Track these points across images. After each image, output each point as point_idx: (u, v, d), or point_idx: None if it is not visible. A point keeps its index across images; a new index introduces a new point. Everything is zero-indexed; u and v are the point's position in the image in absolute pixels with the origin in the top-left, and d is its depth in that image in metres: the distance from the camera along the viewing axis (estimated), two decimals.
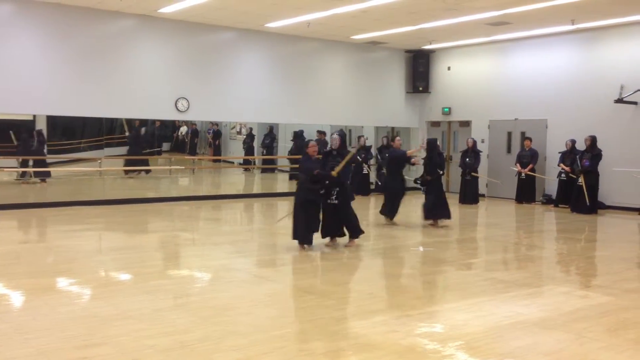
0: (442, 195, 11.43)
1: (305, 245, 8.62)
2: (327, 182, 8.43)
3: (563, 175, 14.39)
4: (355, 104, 17.73)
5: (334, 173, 8.46)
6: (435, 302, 6.09)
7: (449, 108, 18.30)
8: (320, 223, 8.74)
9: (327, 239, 9.04)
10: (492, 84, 17.13)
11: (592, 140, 13.89)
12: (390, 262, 8.33)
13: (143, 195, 15.29)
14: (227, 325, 5.20)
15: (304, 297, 6.28)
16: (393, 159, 11.37)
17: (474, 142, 15.77)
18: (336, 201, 8.73)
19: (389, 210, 11.39)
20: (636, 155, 13.40)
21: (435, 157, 11.48)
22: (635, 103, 13.99)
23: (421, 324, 5.40)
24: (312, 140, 8.85)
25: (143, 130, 19.81)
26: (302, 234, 8.57)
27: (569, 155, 14.28)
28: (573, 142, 14.28)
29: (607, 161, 13.89)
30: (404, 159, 11.28)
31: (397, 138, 11.71)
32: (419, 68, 18.56)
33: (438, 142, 12.22)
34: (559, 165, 14.54)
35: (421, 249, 9.26)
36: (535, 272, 7.88)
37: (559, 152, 14.74)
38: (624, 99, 13.91)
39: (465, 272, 7.70)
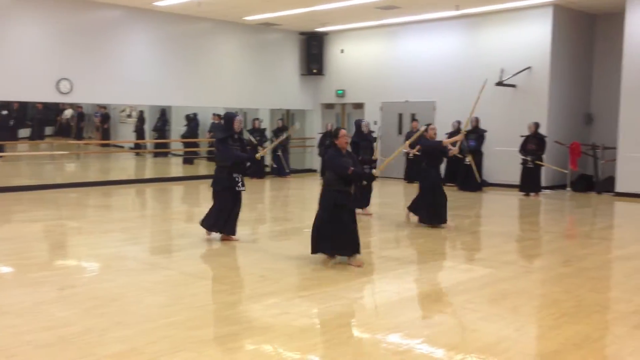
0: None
1: (357, 264, 6.79)
2: (366, 182, 7.05)
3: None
4: (249, 87, 17.55)
5: (376, 172, 7.10)
6: (327, 283, 6.18)
7: (343, 90, 18.55)
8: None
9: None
10: (384, 67, 17.53)
11: (476, 122, 14.60)
12: (285, 244, 8.35)
13: (21, 183, 14.37)
14: (112, 316, 5.01)
15: (196, 283, 6.17)
16: (426, 151, 9.78)
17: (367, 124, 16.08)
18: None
19: (428, 217, 9.48)
20: (515, 135, 14.21)
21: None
22: (514, 86, 14.82)
23: (313, 304, 5.46)
24: (340, 127, 7.15)
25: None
26: (346, 247, 6.80)
27: (455, 135, 14.88)
28: (459, 123, 14.91)
29: (489, 141, 14.65)
30: (439, 150, 9.56)
31: (431, 126, 9.60)
32: (312, 50, 18.64)
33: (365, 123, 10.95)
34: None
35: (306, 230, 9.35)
36: (424, 248, 8.18)
37: (446, 133, 15.35)
38: (504, 82, 14.70)
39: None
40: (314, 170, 18.61)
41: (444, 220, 9.39)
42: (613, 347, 4.48)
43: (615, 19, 14.18)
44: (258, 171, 16.31)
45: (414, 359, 4.23)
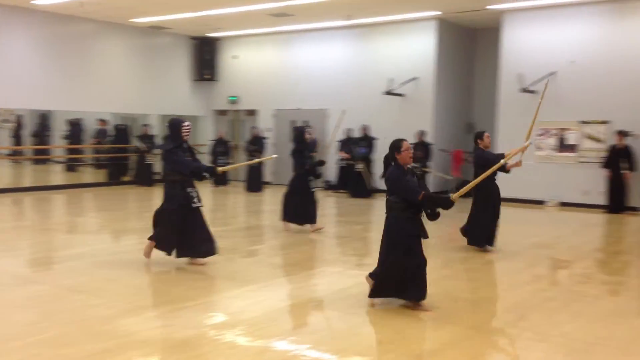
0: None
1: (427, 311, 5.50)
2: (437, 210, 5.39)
3: (343, 162, 15.25)
4: (138, 92, 16.99)
5: (455, 197, 5.25)
6: (213, 292, 6.05)
7: (236, 97, 18.40)
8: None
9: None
10: (278, 74, 17.58)
11: (366, 129, 14.96)
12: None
13: None
14: None
15: (71, 297, 5.82)
16: (481, 164, 7.97)
17: (260, 131, 16.12)
18: None
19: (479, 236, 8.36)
20: None
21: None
22: (402, 95, 15.32)
23: (197, 315, 5.32)
24: (403, 139, 5.63)
25: None
26: (418, 291, 5.51)
27: (347, 143, 15.18)
28: (350, 130, 15.20)
29: (379, 148, 15.03)
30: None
31: (486, 134, 8.38)
32: (205, 56, 18.37)
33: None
34: (338, 153, 15.39)
35: None
36: (312, 255, 8.23)
37: (338, 141, 15.61)
38: (393, 92, 15.17)
39: (247, 260, 7.78)
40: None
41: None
42: (484, 346, 4.68)
43: (493, 33, 15.02)
44: (145, 178, 15.84)
45: None
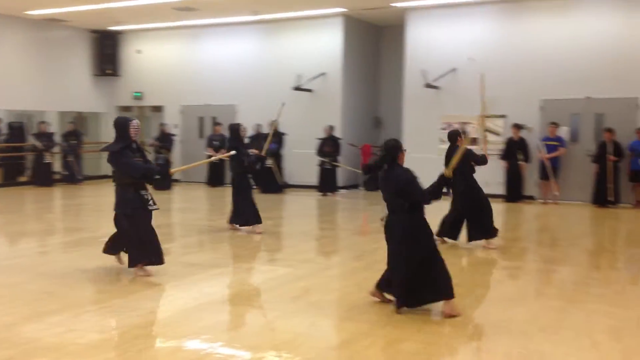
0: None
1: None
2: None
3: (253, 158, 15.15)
4: (34, 87, 16.14)
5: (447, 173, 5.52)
6: (121, 294, 5.86)
7: (141, 93, 17.87)
8: None
9: None
10: (184, 69, 17.23)
11: (276, 125, 14.91)
12: (77, 256, 7.77)
13: None
14: None
15: None
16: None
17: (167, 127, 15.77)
18: None
19: (483, 230, 8.12)
20: (312, 138, 14.81)
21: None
22: (310, 91, 15.44)
23: (105, 318, 5.14)
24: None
25: None
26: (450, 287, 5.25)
27: (257, 139, 15.06)
28: (259, 126, 15.15)
29: (289, 144, 15.09)
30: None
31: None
32: (106, 50, 17.71)
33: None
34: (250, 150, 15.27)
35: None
36: (225, 252, 8.15)
37: (248, 137, 15.49)
38: (301, 87, 15.25)
39: None
40: (110, 177, 17.66)
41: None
42: (395, 332, 4.82)
43: (397, 30, 15.41)
44: (45, 178, 15.09)
45: None
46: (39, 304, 5.49)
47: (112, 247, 6.77)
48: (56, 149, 15.85)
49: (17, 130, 16.19)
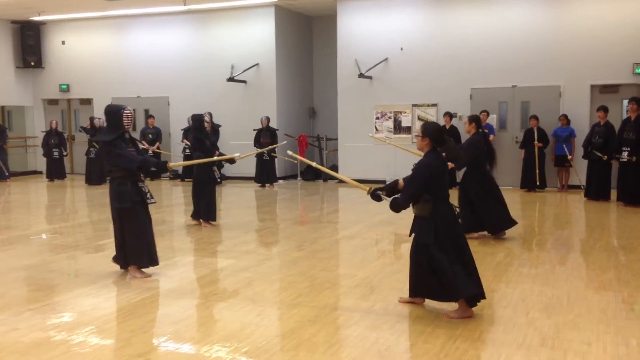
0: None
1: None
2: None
3: (187, 150, 14.92)
4: None
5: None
6: (59, 292, 5.73)
7: (67, 85, 17.29)
8: None
9: None
10: (113, 61, 16.79)
11: (210, 116, 14.76)
12: (9, 254, 7.51)
13: None
14: None
15: None
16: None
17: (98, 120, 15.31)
18: None
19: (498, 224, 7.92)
20: (248, 129, 14.76)
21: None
22: (244, 82, 15.37)
23: (45, 316, 5.03)
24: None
25: None
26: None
27: (190, 131, 14.87)
28: (210, 115, 14.90)
29: (224, 135, 14.97)
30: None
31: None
32: (28, 41, 17.03)
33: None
34: (182, 142, 15.09)
35: (44, 236, 8.61)
36: (165, 246, 8.03)
37: (182, 129, 15.31)
38: (235, 78, 15.16)
39: (94, 255, 7.44)
40: (39, 172, 17.07)
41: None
42: (342, 318, 4.95)
43: (329, 21, 15.56)
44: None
45: (159, 358, 4.17)
46: None
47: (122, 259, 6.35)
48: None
49: None
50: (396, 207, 4.91)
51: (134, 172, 6.03)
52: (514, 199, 12.01)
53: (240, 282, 6.06)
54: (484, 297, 4.95)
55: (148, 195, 6.16)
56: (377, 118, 14.47)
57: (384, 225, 9.17)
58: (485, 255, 7.04)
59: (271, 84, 15.34)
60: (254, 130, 14.50)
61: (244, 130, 15.05)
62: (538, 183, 12.55)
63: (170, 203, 12.28)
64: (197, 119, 9.10)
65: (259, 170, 14.43)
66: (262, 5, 15.04)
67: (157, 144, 15.43)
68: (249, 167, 14.75)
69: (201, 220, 9.20)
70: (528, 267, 6.60)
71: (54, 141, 15.75)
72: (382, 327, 4.70)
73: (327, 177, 15.19)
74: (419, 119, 14.08)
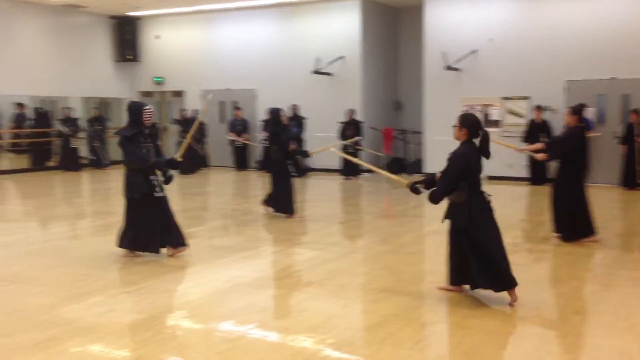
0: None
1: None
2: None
3: (267, 142, 15.07)
4: (57, 73, 16.29)
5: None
6: (154, 276, 5.97)
7: (162, 78, 17.96)
8: None
9: None
10: (204, 54, 17.27)
11: (296, 109, 14.98)
12: (107, 239, 7.89)
13: None
14: None
15: (5, 287, 5.61)
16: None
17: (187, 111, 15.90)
18: None
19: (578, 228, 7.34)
20: (333, 121, 14.81)
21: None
22: (329, 74, 15.41)
23: (141, 299, 5.25)
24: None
25: None
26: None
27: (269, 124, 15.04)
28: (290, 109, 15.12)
29: (310, 128, 15.10)
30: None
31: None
32: (126, 36, 17.79)
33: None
34: (261, 133, 15.28)
35: None
36: (251, 235, 8.23)
37: (261, 121, 15.57)
38: (320, 71, 15.23)
39: None
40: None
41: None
42: (428, 315, 4.88)
43: (415, 12, 15.29)
44: (72, 163, 15.23)
45: (246, 345, 4.26)
46: (77, 285, 5.63)
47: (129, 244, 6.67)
48: (82, 134, 16.04)
49: (43, 116, 16.40)
50: (435, 198, 5.05)
51: (145, 169, 6.39)
52: (612, 197, 11.42)
53: (325, 273, 6.09)
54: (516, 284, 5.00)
55: (157, 188, 6.45)
56: (464, 111, 14.13)
57: None
58: (580, 256, 6.74)
59: (356, 77, 15.31)
60: (339, 123, 14.52)
61: (328, 122, 15.11)
62: (639, 181, 11.87)
63: (256, 194, 12.53)
64: (273, 113, 9.20)
65: (345, 162, 14.45)
66: None
67: (246, 135, 15.76)
68: (333, 159, 14.80)
69: (271, 208, 9.13)
70: (628, 269, 6.25)
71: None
72: (468, 325, 4.59)
73: (412, 171, 15.02)
74: (510, 112, 13.64)
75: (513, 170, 13.40)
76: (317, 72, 15.19)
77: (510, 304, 4.96)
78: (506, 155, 13.57)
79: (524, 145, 12.71)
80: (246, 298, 5.42)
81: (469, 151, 5.03)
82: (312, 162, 15.43)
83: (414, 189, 5.25)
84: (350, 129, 14.30)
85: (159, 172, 6.60)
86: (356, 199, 12.01)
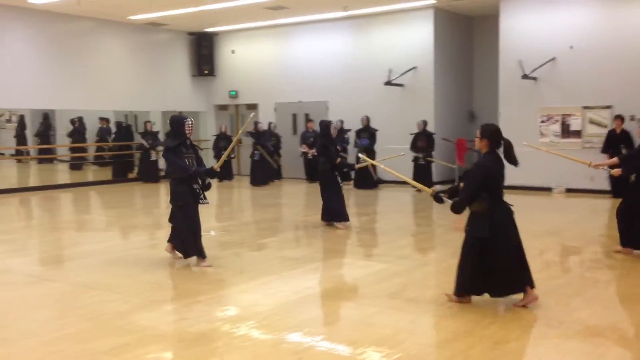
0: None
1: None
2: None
3: (315, 154, 15.09)
4: (138, 88, 17.00)
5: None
6: (225, 286, 6.08)
7: (236, 91, 18.40)
8: None
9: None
10: (277, 67, 17.56)
11: (368, 120, 14.97)
12: None
13: None
14: None
15: (86, 293, 5.87)
16: None
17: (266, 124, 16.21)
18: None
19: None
20: (405, 133, 14.68)
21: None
22: (401, 85, 15.32)
23: (211, 308, 5.36)
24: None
25: None
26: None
27: (340, 134, 15.06)
28: (341, 122, 15.15)
29: (381, 139, 15.03)
30: None
31: None
32: (203, 51, 18.36)
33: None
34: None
35: (212, 233, 9.21)
36: (321, 247, 8.25)
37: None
38: (392, 82, 15.16)
39: (256, 253, 7.82)
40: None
41: None
42: (500, 333, 4.72)
43: (491, 21, 15.00)
44: (151, 175, 15.81)
45: (314, 357, 4.25)
46: (151, 294, 5.82)
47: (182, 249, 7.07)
48: (161, 147, 16.63)
49: (125, 129, 17.15)
50: (457, 207, 5.15)
51: (186, 178, 6.73)
52: None
53: (394, 286, 6.02)
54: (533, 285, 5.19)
55: (201, 197, 6.85)
56: (542, 121, 13.69)
57: (549, 235, 8.64)
58: None
59: (429, 87, 15.14)
60: (411, 134, 14.39)
61: (400, 134, 15.00)
62: None
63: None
64: (324, 125, 9.40)
65: (415, 174, 14.29)
66: (421, 8, 14.90)
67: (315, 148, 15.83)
68: (404, 171, 14.66)
69: (332, 222, 9.28)
70: None
71: (223, 144, 16.86)
72: (545, 345, 4.41)
73: None
74: (591, 122, 13.10)
75: (594, 183, 12.84)
76: (388, 83, 15.13)
77: (524, 305, 5.16)
78: (587, 168, 13.07)
79: (604, 157, 12.27)
80: (315, 310, 5.43)
81: (490, 161, 5.10)
82: (382, 174, 15.34)
83: (438, 198, 5.41)
84: (422, 140, 14.15)
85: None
86: (428, 211, 11.82)
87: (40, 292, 5.93)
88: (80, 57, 15.67)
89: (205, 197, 6.92)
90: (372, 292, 5.89)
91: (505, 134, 14.86)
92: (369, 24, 15.93)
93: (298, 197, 13.97)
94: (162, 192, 14.75)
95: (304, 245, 8.51)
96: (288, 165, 17.00)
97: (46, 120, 18.61)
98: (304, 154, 15.97)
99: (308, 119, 16.45)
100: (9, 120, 20.13)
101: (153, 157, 16.27)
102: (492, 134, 5.16)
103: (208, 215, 11.73)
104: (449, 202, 5.28)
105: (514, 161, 5.16)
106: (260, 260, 7.30)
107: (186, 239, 6.84)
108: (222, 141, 16.88)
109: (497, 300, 5.60)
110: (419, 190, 5.37)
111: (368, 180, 14.50)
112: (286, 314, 5.21)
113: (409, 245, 8.45)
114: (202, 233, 6.94)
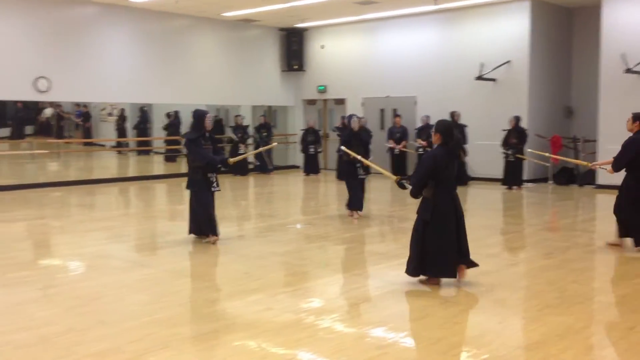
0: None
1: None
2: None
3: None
4: (230, 83, 17.46)
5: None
6: (310, 278, 6.15)
7: (325, 86, 18.52)
8: None
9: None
10: (365, 62, 17.52)
11: (456, 116, 14.64)
12: (269, 240, 8.30)
13: (2, 183, 14.13)
14: (93, 315, 4.95)
15: (178, 280, 6.11)
16: None
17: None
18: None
19: None
20: (496, 129, 14.26)
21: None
22: (493, 80, 14.88)
23: (296, 300, 5.43)
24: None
25: None
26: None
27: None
28: (427, 117, 14.90)
29: (471, 135, 14.67)
30: None
31: None
32: (292, 46, 18.59)
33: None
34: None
35: (298, 226, 9.33)
36: (406, 243, 8.11)
37: (415, 129, 15.40)
38: (484, 76, 14.75)
39: (341, 247, 7.85)
40: (297, 167, 18.58)
41: None
42: (595, 338, 4.51)
43: (591, 12, 14.28)
44: (241, 168, 16.23)
45: (397, 353, 4.22)
46: (239, 282, 5.97)
47: (196, 229, 7.86)
48: (250, 141, 17.03)
49: (216, 123, 17.65)
50: (412, 192, 5.85)
51: (204, 166, 7.49)
52: None
53: (483, 286, 5.87)
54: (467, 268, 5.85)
55: (214, 184, 7.64)
56: None
57: None
58: None
59: (523, 82, 14.61)
60: (503, 130, 13.96)
61: (492, 130, 14.59)
62: None
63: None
64: (347, 120, 9.91)
65: (506, 171, 13.87)
66: (516, 0, 14.41)
67: (404, 142, 15.71)
68: (495, 168, 14.27)
69: (351, 210, 9.70)
70: None
71: (311, 138, 17.04)
72: None
73: (583, 182, 14.00)
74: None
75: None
76: (480, 78, 14.74)
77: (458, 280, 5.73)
78: None
79: None
80: (399, 305, 5.39)
81: (439, 153, 5.65)
82: (471, 170, 15.01)
83: (400, 184, 6.22)
84: (514, 136, 13.70)
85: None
86: (518, 210, 11.45)
87: (135, 277, 6.23)
88: (176, 53, 16.28)
89: (217, 185, 7.69)
90: (459, 290, 5.77)
91: (605, 130, 14.33)
92: (460, 17, 15.57)
93: (384, 192, 13.88)
94: (250, 185, 15.12)
95: (389, 241, 8.47)
96: (374, 160, 16.87)
97: (143, 114, 19.53)
98: (391, 149, 15.85)
99: (396, 114, 16.31)
100: (110, 114, 21.30)
101: (242, 151, 16.66)
102: (445, 130, 5.72)
103: (294, 207, 11.94)
104: (409, 188, 5.92)
105: (457, 156, 5.91)
106: (345, 254, 7.32)
107: (201, 218, 7.63)
108: (310, 136, 17.06)
109: (592, 306, 5.35)
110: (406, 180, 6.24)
111: (461, 176, 14.14)
112: (370, 309, 5.20)
113: (498, 244, 8.22)
114: (288, 226, 7.06)
